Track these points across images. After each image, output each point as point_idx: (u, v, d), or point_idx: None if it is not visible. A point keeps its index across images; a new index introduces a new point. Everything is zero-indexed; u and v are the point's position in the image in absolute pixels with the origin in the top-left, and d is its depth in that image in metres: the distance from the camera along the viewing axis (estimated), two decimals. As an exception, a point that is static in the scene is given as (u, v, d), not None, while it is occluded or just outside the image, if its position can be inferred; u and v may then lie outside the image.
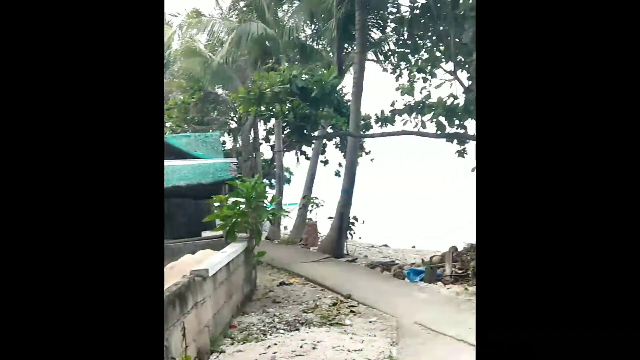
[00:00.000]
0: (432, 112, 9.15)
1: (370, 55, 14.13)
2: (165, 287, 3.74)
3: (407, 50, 10.49)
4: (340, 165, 19.26)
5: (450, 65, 9.51)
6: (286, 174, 18.85)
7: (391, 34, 13.20)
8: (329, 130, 14.54)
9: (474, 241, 9.34)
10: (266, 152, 19.09)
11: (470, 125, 9.26)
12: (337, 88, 11.20)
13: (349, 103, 14.36)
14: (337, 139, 17.87)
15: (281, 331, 5.49)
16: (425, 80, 10.01)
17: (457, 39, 8.97)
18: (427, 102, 9.62)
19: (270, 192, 14.27)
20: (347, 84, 16.16)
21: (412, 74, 10.26)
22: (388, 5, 12.89)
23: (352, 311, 6.35)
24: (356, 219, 11.80)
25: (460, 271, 7.87)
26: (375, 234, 16.72)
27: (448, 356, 4.56)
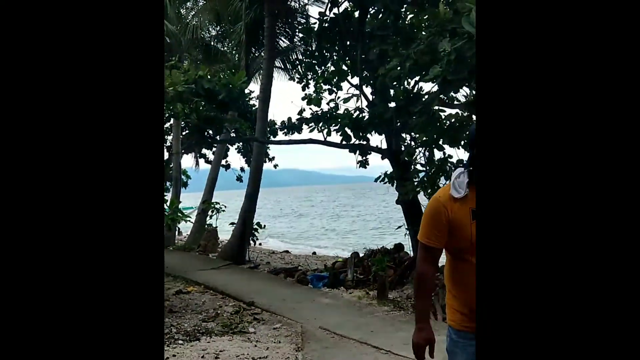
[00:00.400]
0: (339, 124, 9.44)
1: (278, 62, 14.18)
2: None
3: (314, 61, 10.70)
4: (242, 170, 18.98)
5: (356, 80, 9.92)
6: (183, 177, 18.04)
7: (299, 43, 13.40)
8: (233, 134, 14.24)
9: (374, 247, 9.78)
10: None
11: (373, 138, 9.69)
12: (245, 92, 11.03)
13: (254, 108, 14.22)
14: (240, 144, 17.58)
15: (180, 342, 5.21)
16: (331, 92, 10.30)
17: (363, 55, 9.38)
18: (334, 113, 9.90)
19: (166, 196, 13.53)
20: (253, 89, 16.07)
21: (318, 85, 10.50)
22: (297, 15, 13.08)
23: (255, 318, 6.23)
24: (260, 225, 11.66)
25: (361, 276, 8.16)
26: (277, 241, 16.69)
27: (352, 359, 4.68)
